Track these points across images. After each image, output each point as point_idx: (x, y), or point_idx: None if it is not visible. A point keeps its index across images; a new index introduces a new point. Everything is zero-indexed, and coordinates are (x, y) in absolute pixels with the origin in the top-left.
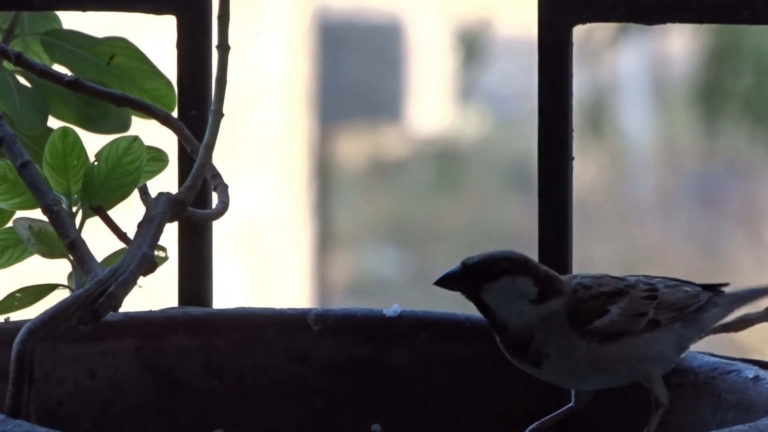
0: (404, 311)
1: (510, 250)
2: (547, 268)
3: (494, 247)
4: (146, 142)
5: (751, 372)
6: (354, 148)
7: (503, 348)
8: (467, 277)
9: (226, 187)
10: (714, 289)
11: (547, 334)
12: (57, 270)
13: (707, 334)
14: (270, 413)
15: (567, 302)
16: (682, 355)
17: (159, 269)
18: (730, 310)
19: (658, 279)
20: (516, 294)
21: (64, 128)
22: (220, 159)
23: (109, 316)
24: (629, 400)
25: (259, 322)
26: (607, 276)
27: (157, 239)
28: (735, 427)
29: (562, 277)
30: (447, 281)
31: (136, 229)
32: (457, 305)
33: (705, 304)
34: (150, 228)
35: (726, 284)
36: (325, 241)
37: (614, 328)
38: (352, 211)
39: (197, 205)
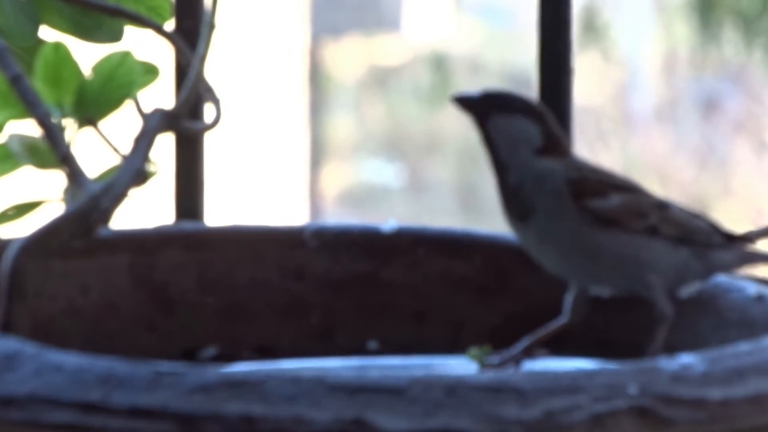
0: (401, 227)
1: (532, 99)
2: (559, 129)
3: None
4: (141, 53)
5: (754, 290)
6: (350, 58)
7: (499, 193)
8: (483, 103)
9: (218, 100)
10: (734, 239)
11: (538, 187)
12: (52, 184)
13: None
14: (265, 330)
15: (569, 168)
16: (686, 288)
17: (161, 182)
18: (742, 265)
19: (678, 206)
20: (522, 137)
21: (56, 42)
22: (216, 70)
23: (102, 231)
24: (629, 317)
25: (254, 239)
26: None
27: (148, 153)
28: (738, 345)
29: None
30: (463, 100)
31: (131, 143)
32: (454, 214)
33: (716, 246)
34: (143, 142)
35: (749, 239)
36: (321, 150)
37: (609, 214)
38: (348, 121)
39: (190, 118)
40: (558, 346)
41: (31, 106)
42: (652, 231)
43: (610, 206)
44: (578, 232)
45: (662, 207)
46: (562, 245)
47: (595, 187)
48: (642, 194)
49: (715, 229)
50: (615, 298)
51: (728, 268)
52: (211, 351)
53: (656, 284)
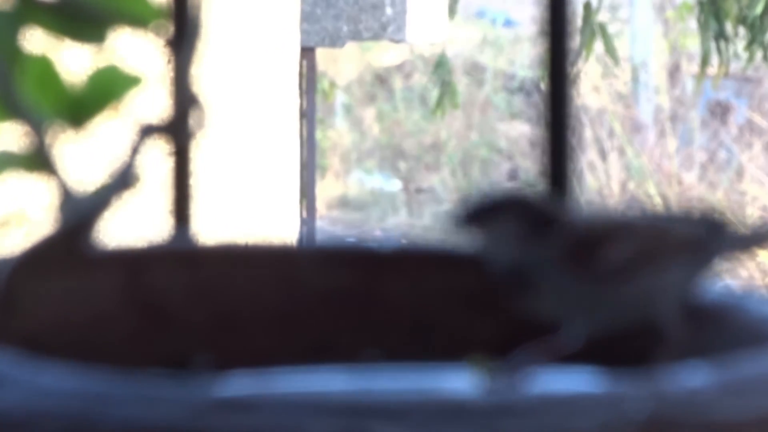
0: (398, 241)
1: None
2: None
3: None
4: (134, 58)
5: (760, 308)
6: (347, 63)
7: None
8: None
9: (202, 106)
10: (719, 228)
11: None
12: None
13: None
14: (259, 344)
15: (561, 239)
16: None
17: (152, 190)
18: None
19: (658, 214)
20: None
21: (41, 55)
22: (208, 77)
23: (93, 247)
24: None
25: (247, 254)
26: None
27: (135, 162)
28: (751, 364)
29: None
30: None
31: (118, 153)
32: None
33: (713, 245)
34: (129, 152)
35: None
36: (315, 156)
37: (621, 264)
38: (343, 127)
39: (177, 125)
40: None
41: (19, 116)
42: (653, 261)
43: (617, 258)
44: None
45: (662, 236)
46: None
47: (591, 248)
48: (634, 223)
49: (715, 231)
50: None
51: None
52: (204, 366)
53: (665, 314)
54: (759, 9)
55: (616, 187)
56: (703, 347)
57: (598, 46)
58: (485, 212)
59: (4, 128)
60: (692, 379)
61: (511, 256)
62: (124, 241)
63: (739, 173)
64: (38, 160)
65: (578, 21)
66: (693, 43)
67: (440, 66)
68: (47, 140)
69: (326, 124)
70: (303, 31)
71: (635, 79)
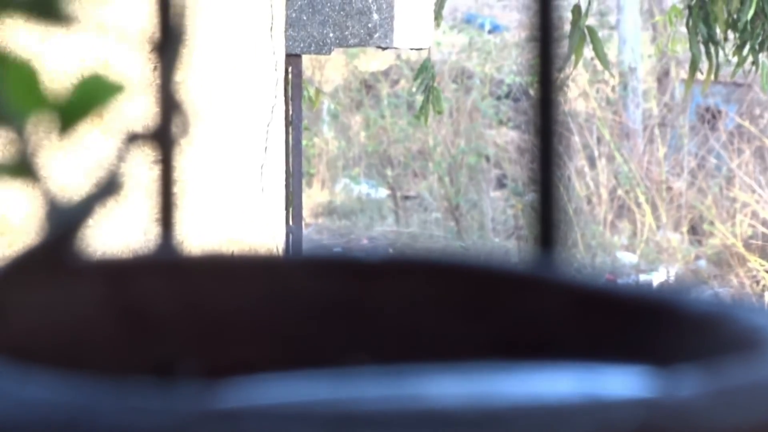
0: (385, 251)
1: None
2: None
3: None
4: (121, 64)
5: (749, 317)
6: (334, 71)
7: None
8: None
9: (187, 115)
10: None
11: None
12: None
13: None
14: (245, 356)
15: None
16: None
17: (135, 198)
18: None
19: None
20: None
21: (23, 61)
22: (192, 84)
23: (77, 256)
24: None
25: (233, 265)
26: None
27: (119, 172)
28: (743, 372)
29: None
30: None
31: (101, 160)
32: (436, 227)
33: None
34: (113, 159)
35: None
36: (302, 164)
37: None
38: (331, 135)
39: (161, 134)
40: (546, 347)
41: (0, 122)
42: None
43: None
44: None
45: None
46: None
47: None
48: None
49: None
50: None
51: None
52: (190, 376)
53: None
54: (749, 13)
55: (604, 194)
56: (693, 356)
57: (587, 51)
58: None
59: None
60: (682, 387)
61: None
62: (110, 250)
63: (729, 180)
64: (22, 168)
65: (567, 26)
66: (682, 48)
67: (423, 71)
68: (31, 148)
69: (312, 131)
70: (289, 38)
71: (624, 84)
